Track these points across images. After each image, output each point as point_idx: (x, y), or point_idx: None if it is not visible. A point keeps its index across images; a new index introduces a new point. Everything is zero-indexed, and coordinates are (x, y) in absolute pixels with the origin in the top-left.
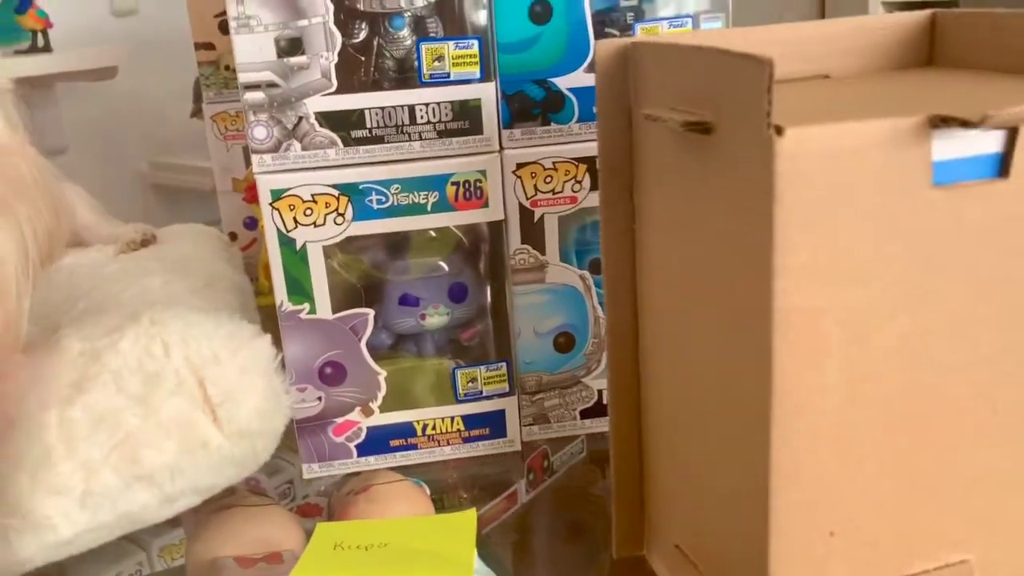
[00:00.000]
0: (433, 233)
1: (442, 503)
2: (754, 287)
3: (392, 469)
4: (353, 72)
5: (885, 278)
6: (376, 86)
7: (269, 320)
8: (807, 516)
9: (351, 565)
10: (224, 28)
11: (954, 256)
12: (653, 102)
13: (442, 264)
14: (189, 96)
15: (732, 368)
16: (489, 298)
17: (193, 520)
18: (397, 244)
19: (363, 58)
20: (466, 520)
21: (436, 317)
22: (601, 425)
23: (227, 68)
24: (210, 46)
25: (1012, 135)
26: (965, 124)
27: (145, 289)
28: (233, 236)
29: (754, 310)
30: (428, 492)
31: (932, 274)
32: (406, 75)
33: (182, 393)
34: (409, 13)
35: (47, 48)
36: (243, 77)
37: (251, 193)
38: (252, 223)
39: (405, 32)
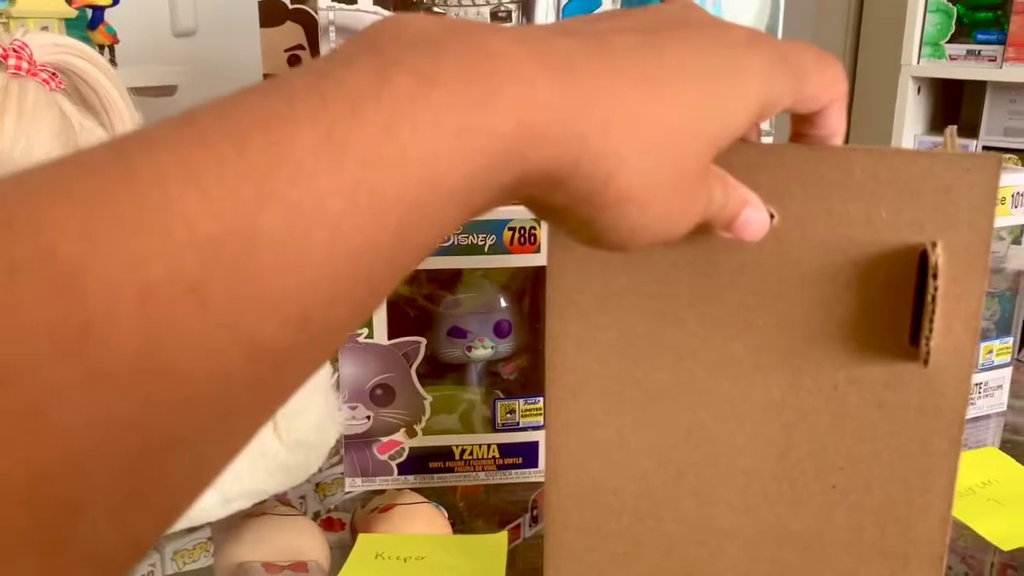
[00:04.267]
0: (483, 272)
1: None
2: None
3: (412, 490)
4: None
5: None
6: None
7: None
8: None
9: (391, 574)
10: (292, 62)
11: None
12: None
13: (500, 300)
14: None
15: None
16: (531, 336)
17: (224, 524)
18: (451, 280)
19: None
20: (498, 542)
21: (481, 350)
22: None
23: None
24: None
25: None
26: None
27: None
28: None
29: None
30: (446, 515)
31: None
32: None
33: None
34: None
35: (112, 63)
36: None
37: None
38: None
39: None
